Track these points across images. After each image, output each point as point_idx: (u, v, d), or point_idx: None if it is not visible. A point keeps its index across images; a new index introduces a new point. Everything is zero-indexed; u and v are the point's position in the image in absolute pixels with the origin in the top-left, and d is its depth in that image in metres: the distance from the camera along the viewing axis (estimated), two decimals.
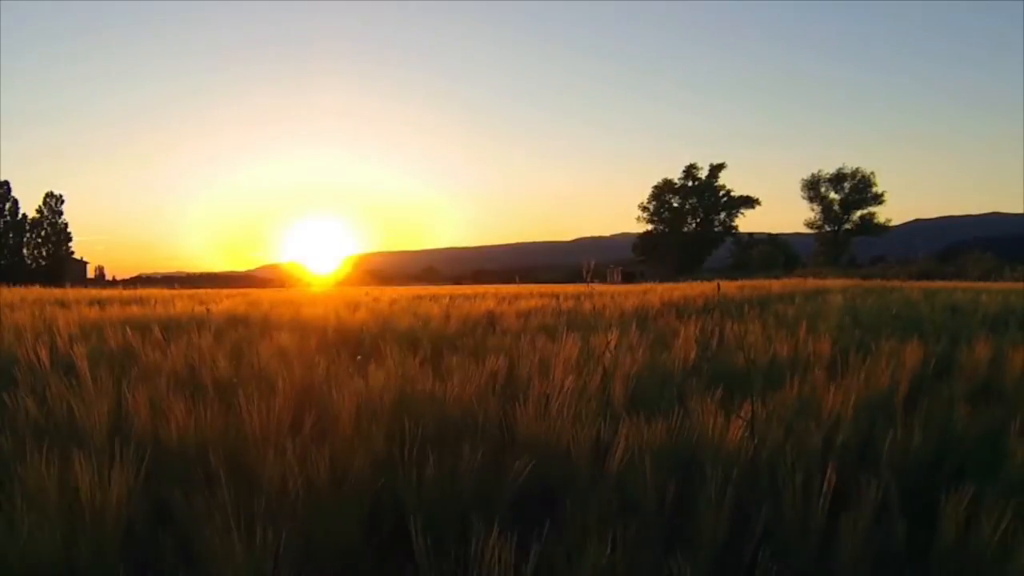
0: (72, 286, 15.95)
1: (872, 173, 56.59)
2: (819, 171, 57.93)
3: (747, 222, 66.69)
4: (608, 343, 2.66)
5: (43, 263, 50.37)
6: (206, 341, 3.60)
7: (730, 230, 61.99)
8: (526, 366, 2.49)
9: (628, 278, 40.95)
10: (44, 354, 2.56)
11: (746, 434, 1.55)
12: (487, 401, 1.97)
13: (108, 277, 54.21)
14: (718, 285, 5.56)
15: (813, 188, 58.03)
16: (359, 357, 2.72)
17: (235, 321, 5.72)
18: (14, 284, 14.24)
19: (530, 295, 10.32)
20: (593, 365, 2.46)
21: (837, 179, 56.98)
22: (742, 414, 1.58)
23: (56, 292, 11.21)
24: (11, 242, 50.74)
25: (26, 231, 51.50)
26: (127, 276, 43.75)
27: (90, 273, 57.00)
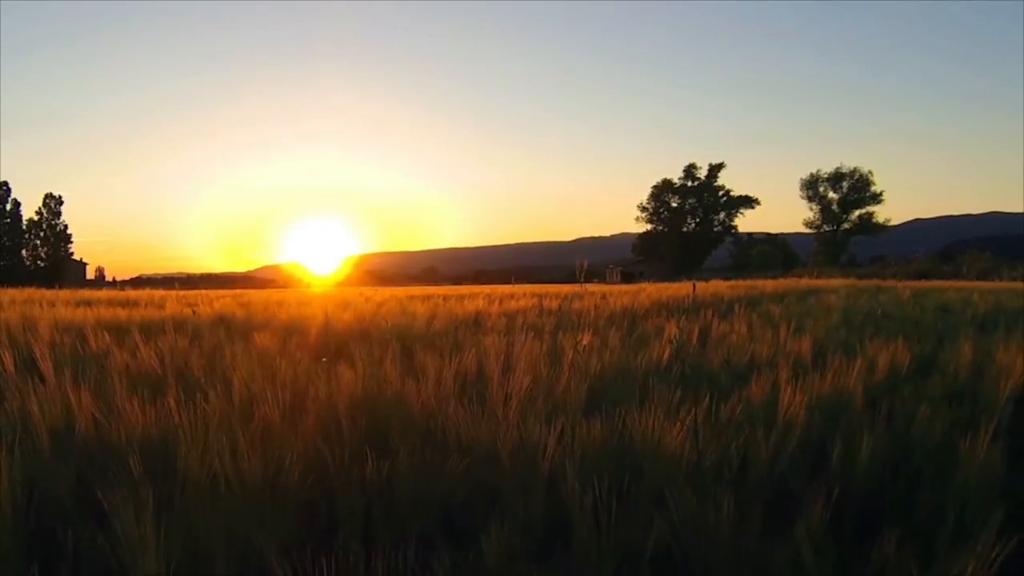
0: (69, 287, 15.98)
1: (870, 172, 56.50)
2: (818, 171, 57.85)
3: (746, 222, 66.89)
4: (578, 343, 2.66)
5: (42, 264, 50.36)
6: (182, 344, 3.61)
7: (730, 230, 61.96)
8: (491, 366, 2.49)
9: (627, 278, 40.98)
10: (8, 357, 2.56)
11: (688, 441, 1.54)
12: (446, 402, 1.96)
13: (108, 278, 54.22)
14: (693, 285, 5.55)
15: (812, 187, 57.91)
16: (324, 359, 2.72)
17: (220, 322, 5.73)
18: (13, 285, 14.26)
19: (523, 295, 10.34)
20: (561, 366, 2.45)
21: (835, 178, 56.84)
22: (686, 420, 1.58)
23: (48, 293, 11.21)
24: (10, 243, 50.71)
25: (25, 232, 51.47)
26: (127, 277, 43.80)
27: (90, 274, 57.03)
